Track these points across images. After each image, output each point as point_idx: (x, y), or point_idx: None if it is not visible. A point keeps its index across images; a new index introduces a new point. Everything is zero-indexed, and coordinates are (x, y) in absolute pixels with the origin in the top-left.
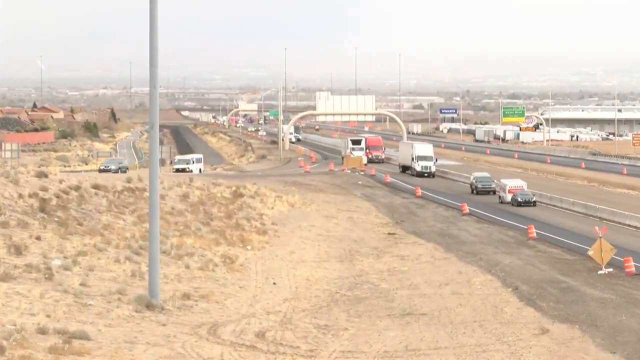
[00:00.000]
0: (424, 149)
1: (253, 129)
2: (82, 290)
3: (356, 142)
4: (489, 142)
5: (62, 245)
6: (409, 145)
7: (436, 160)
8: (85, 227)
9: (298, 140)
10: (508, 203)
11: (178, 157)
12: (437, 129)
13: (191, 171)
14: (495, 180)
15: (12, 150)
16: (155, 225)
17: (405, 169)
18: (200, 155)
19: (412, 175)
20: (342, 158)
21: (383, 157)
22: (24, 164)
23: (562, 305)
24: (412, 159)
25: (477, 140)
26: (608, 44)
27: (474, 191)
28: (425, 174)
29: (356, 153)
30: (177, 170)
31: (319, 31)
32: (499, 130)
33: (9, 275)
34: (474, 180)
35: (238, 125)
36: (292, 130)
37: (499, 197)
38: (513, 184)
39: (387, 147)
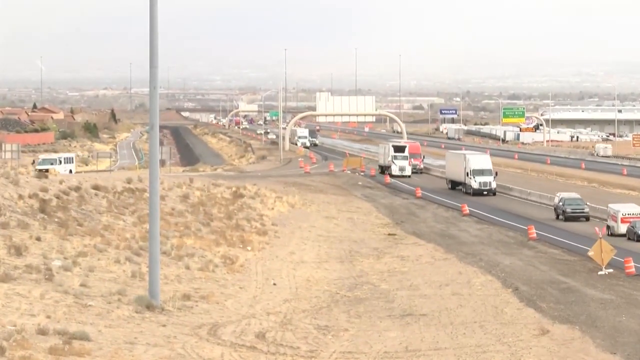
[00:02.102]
0: (481, 161)
1: (262, 131)
2: (82, 291)
3: (399, 149)
4: (459, 139)
5: (62, 246)
6: (459, 156)
7: (496, 175)
8: (85, 228)
9: (314, 145)
10: (622, 235)
11: (42, 156)
12: (437, 129)
13: (57, 173)
14: (587, 203)
15: (12, 151)
16: (156, 226)
17: (455, 184)
18: (71, 155)
19: (467, 193)
20: (381, 168)
21: (422, 166)
22: (24, 164)
23: (562, 306)
24: (467, 173)
25: (449, 138)
26: (608, 44)
27: (561, 216)
28: (484, 192)
29: (399, 162)
30: (40, 171)
31: (319, 31)
32: (498, 130)
33: (9, 276)
34: (560, 203)
35: (242, 126)
36: (305, 133)
37: (607, 227)
38: (629, 211)
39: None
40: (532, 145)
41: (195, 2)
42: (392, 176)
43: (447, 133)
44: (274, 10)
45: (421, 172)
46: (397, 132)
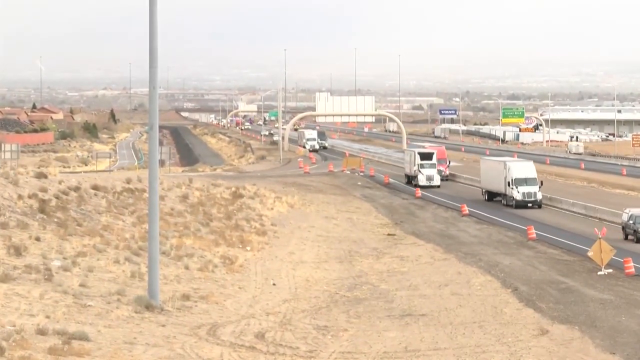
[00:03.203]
0: (524, 168)
1: (266, 133)
2: (81, 291)
3: (426, 157)
4: (445, 138)
5: (61, 246)
6: (499, 164)
7: (541, 184)
8: (84, 228)
9: (324, 148)
10: None
11: None
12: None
13: None
14: None
15: (12, 151)
16: (155, 226)
17: (492, 195)
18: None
19: (508, 205)
20: (407, 177)
21: (447, 173)
22: (23, 164)
23: (562, 306)
24: (508, 183)
25: (436, 137)
26: (608, 44)
27: (631, 236)
28: (529, 204)
29: (427, 171)
30: None
31: (319, 32)
32: (498, 130)
33: (8, 276)
34: (630, 221)
35: (245, 127)
36: (314, 135)
37: (635, 232)
38: None
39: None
40: (532, 145)
41: (195, 2)
42: (420, 187)
43: (433, 132)
44: (274, 10)
45: (447, 179)
46: (391, 132)
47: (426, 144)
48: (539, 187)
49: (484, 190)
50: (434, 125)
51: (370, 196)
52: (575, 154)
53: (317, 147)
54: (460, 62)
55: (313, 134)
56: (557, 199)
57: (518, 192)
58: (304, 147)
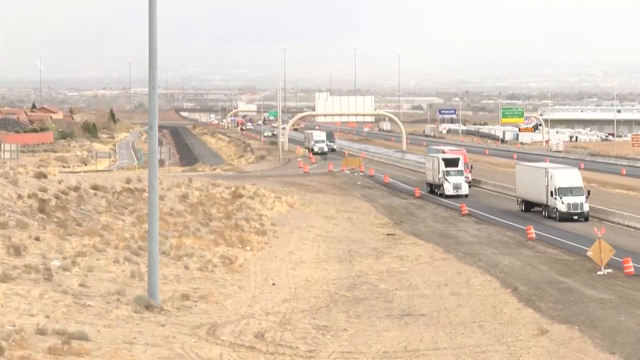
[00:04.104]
0: (569, 176)
1: (269, 134)
2: (81, 291)
3: (451, 163)
4: (434, 136)
5: (61, 246)
6: (538, 170)
7: (588, 194)
8: (84, 228)
9: (332, 150)
10: None
11: None
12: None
13: None
14: None
15: (12, 151)
16: (155, 226)
17: (529, 206)
18: None
19: (550, 217)
20: (430, 186)
21: (471, 178)
22: (23, 164)
23: (561, 306)
24: (551, 192)
25: (426, 135)
26: (608, 44)
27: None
28: (575, 217)
29: (453, 179)
30: None
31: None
32: (497, 130)
33: (8, 276)
34: None
35: (247, 127)
36: (322, 137)
37: None
38: None
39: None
40: (531, 145)
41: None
42: (445, 197)
43: (424, 131)
44: (273, 11)
45: (470, 186)
46: (384, 131)
47: (445, 148)
48: (586, 198)
49: (519, 200)
50: (433, 125)
51: (369, 196)
52: (555, 151)
53: (325, 149)
54: (460, 62)
55: (322, 135)
56: (606, 210)
57: (562, 203)
58: (312, 149)
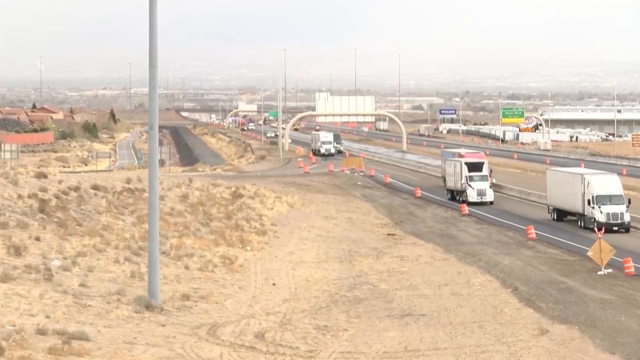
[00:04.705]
0: (608, 183)
1: (272, 135)
2: (81, 291)
3: (475, 167)
4: (428, 136)
5: (61, 246)
6: (573, 176)
7: (629, 203)
8: (84, 228)
9: (339, 152)
10: None
11: None
12: (436, 129)
13: None
14: None
15: (12, 151)
16: (155, 226)
17: (562, 215)
18: None
19: (586, 227)
20: (451, 193)
21: (492, 181)
22: (23, 164)
23: (562, 306)
24: (588, 201)
25: (421, 135)
26: (608, 44)
27: None
28: (615, 227)
29: (477, 185)
30: None
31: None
32: (498, 130)
33: (8, 276)
34: None
35: (249, 127)
36: (329, 138)
37: None
38: None
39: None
40: (531, 145)
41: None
42: (469, 204)
43: (419, 130)
44: (273, 11)
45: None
46: (381, 130)
47: (462, 150)
48: (627, 206)
49: (551, 208)
50: (433, 125)
51: (370, 196)
52: (543, 150)
53: (333, 151)
54: (460, 62)
55: (329, 136)
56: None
57: (601, 212)
58: (319, 151)
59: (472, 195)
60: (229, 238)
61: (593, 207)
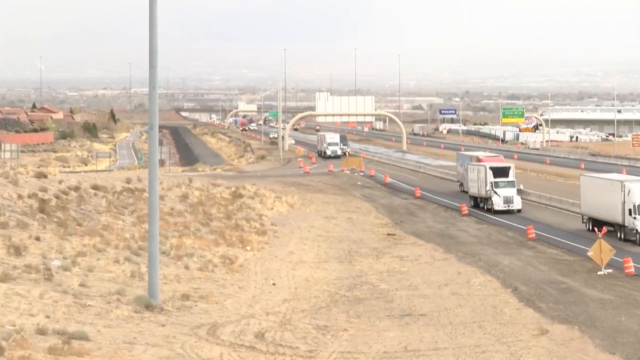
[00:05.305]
0: None
1: (275, 135)
2: (81, 291)
3: (500, 172)
4: (422, 135)
5: (61, 246)
6: (612, 183)
7: None
8: (84, 228)
9: (345, 154)
10: None
11: None
12: (436, 129)
13: None
14: None
15: (12, 151)
16: (155, 226)
17: (598, 224)
18: None
19: (627, 240)
20: (474, 200)
21: (520, 187)
22: (23, 164)
23: (562, 306)
24: (629, 210)
25: (415, 134)
26: (608, 44)
27: None
28: None
29: (503, 192)
30: None
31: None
32: (498, 130)
33: (8, 276)
34: None
35: (251, 128)
36: (336, 139)
37: None
38: None
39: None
40: (540, 145)
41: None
42: (494, 212)
43: (413, 130)
44: (273, 11)
45: None
46: (377, 130)
47: (479, 153)
48: None
49: (586, 218)
50: (433, 125)
51: (370, 196)
52: (533, 149)
53: (339, 152)
54: (460, 62)
55: (335, 138)
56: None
57: None
58: (325, 152)
59: (498, 203)
60: (229, 238)
61: (635, 218)
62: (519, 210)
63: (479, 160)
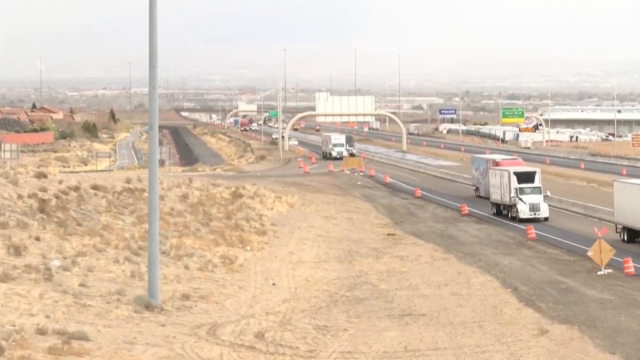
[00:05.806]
0: None
1: (276, 136)
2: (81, 291)
3: (525, 177)
4: (418, 134)
5: (61, 246)
6: None
7: None
8: (84, 228)
9: (352, 155)
10: None
11: None
12: (436, 129)
13: None
14: None
15: (12, 151)
16: (155, 226)
17: (635, 235)
18: None
19: None
20: (497, 207)
21: (547, 193)
22: (23, 164)
23: (562, 306)
24: None
25: (410, 134)
26: (608, 44)
27: None
28: None
29: (529, 198)
30: None
31: (319, 32)
32: (498, 130)
33: (8, 276)
34: None
35: (252, 128)
36: (342, 140)
37: None
38: None
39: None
40: (532, 145)
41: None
42: (520, 220)
43: (408, 129)
44: (273, 11)
45: None
46: (374, 129)
47: (496, 156)
48: None
49: (620, 227)
50: (433, 125)
51: (370, 196)
52: (524, 147)
53: (345, 154)
54: (460, 62)
55: (341, 138)
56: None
57: None
58: (330, 154)
59: (523, 211)
60: (229, 238)
61: None
62: (545, 219)
63: (496, 163)
